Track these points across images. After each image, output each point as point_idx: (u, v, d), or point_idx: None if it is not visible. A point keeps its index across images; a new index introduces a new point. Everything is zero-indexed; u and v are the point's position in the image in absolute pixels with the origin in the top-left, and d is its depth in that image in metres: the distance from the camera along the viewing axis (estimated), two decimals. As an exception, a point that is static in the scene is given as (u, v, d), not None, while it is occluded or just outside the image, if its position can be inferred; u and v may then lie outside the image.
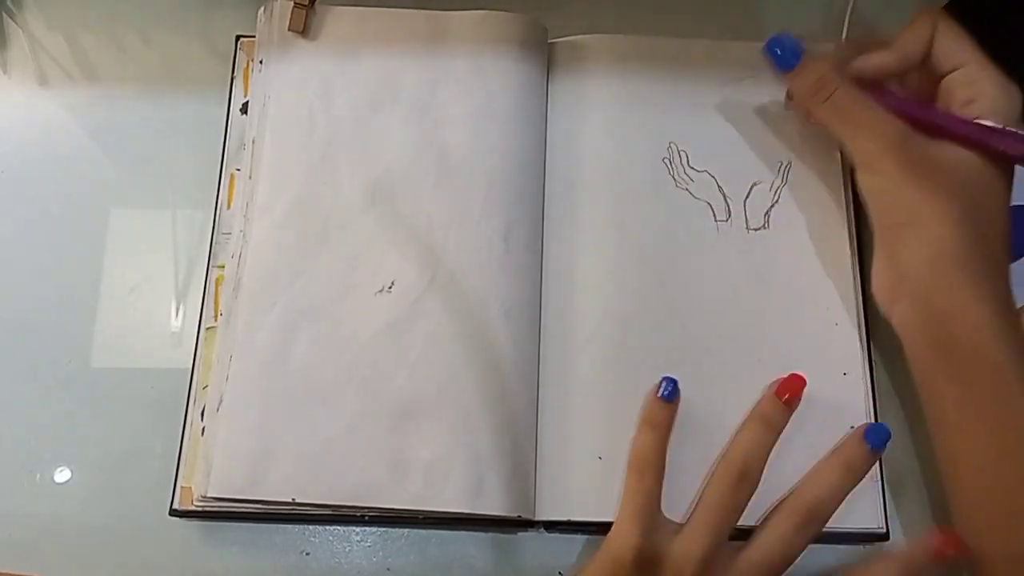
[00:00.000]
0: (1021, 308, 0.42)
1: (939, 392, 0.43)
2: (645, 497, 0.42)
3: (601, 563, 0.42)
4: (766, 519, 0.43)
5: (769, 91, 0.51)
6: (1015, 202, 0.50)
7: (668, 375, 0.45)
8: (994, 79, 0.43)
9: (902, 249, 0.43)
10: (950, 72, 0.44)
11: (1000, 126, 0.42)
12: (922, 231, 0.42)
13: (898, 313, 0.44)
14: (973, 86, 0.43)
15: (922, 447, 0.46)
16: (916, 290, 0.43)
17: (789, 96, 0.49)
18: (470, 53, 0.50)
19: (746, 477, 0.43)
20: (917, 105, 0.45)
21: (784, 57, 0.46)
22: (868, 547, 0.45)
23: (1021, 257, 0.50)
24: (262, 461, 0.43)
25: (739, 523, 0.43)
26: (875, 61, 0.45)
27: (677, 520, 0.43)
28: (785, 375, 0.46)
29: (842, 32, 0.52)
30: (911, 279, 0.43)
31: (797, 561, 0.42)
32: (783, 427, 0.45)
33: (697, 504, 0.43)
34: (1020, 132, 0.42)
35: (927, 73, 0.45)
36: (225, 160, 0.50)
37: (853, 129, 0.44)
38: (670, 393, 0.45)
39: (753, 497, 0.43)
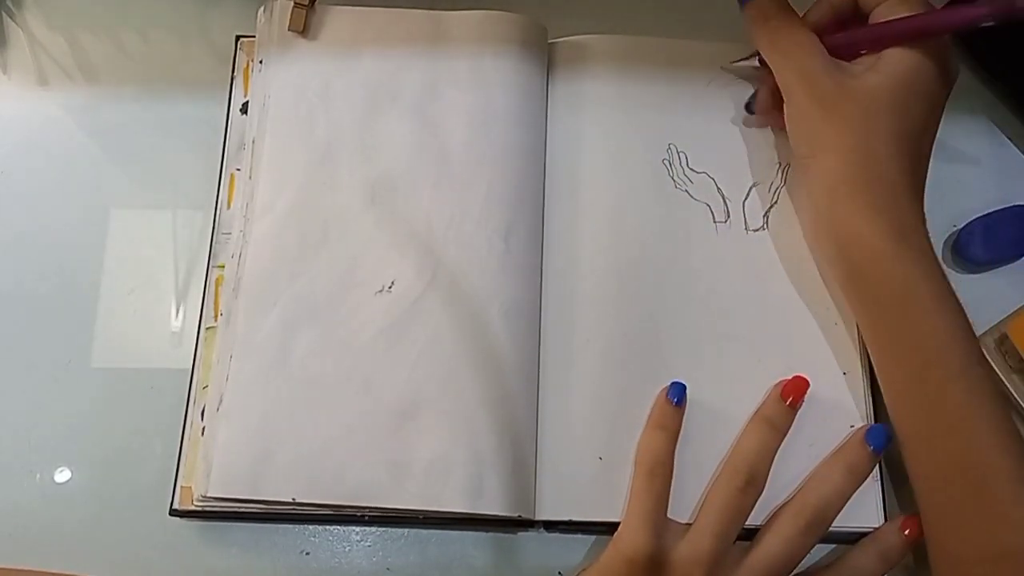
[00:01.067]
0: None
1: (859, 318, 0.44)
2: (655, 499, 0.42)
3: (608, 563, 0.42)
4: (770, 521, 0.43)
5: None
6: (1016, 202, 0.51)
7: (677, 380, 0.45)
8: None
9: (810, 182, 0.45)
10: (879, 5, 0.45)
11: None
12: (822, 162, 0.44)
13: (818, 248, 0.45)
14: (900, 5, 0.44)
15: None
16: (821, 221, 0.44)
17: (748, 109, 0.51)
18: (470, 53, 0.50)
19: (753, 481, 0.43)
20: (855, 29, 0.45)
21: None
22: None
23: (1021, 257, 0.50)
24: (262, 461, 0.43)
25: (740, 523, 0.43)
26: (811, 19, 0.46)
27: (678, 520, 0.43)
28: (788, 377, 0.46)
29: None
30: (818, 211, 0.44)
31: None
32: (788, 429, 0.45)
33: (703, 507, 0.43)
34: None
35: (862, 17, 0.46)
36: (225, 160, 0.50)
37: (780, 60, 0.46)
38: (679, 398, 0.45)
39: (754, 495, 0.43)
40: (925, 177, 0.44)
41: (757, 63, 0.49)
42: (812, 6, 0.47)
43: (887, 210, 0.42)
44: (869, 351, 0.44)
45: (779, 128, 0.49)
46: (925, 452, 0.42)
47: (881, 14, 0.44)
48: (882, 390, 0.44)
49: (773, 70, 0.46)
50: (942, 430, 0.41)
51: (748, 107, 0.51)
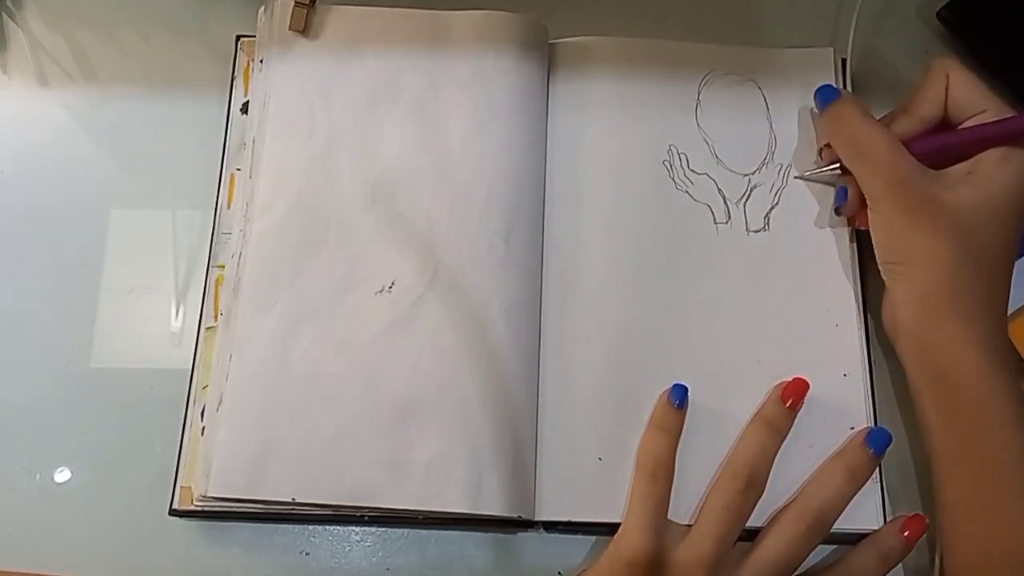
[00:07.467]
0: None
1: (929, 419, 0.44)
2: (656, 501, 0.42)
3: (609, 564, 0.42)
4: (771, 524, 0.43)
5: (769, 95, 0.51)
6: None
7: (679, 382, 0.45)
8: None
9: (897, 285, 0.45)
10: (969, 119, 0.45)
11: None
12: (915, 270, 0.44)
13: (898, 344, 0.45)
14: (992, 115, 0.44)
15: (921, 448, 0.46)
16: (908, 324, 0.44)
17: (838, 212, 0.49)
18: (471, 53, 0.50)
19: (753, 483, 0.43)
20: (945, 134, 0.45)
21: (823, 95, 0.48)
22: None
23: (1021, 257, 0.50)
24: (262, 461, 0.43)
25: (740, 524, 0.43)
26: (899, 130, 0.46)
27: (679, 522, 0.43)
28: (788, 379, 0.46)
29: (848, 39, 0.52)
30: (904, 314, 0.44)
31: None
32: (788, 431, 0.45)
33: (703, 509, 0.43)
34: None
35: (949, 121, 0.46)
36: (225, 160, 0.50)
37: (865, 167, 0.45)
38: (681, 400, 0.45)
39: (754, 496, 0.43)
40: (1011, 283, 0.44)
41: (839, 169, 0.48)
42: (899, 116, 0.46)
43: (976, 322, 0.42)
44: (932, 455, 0.44)
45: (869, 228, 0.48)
46: (979, 555, 0.41)
47: (973, 124, 0.45)
48: (938, 492, 0.43)
49: (857, 178, 0.46)
50: (1002, 538, 0.41)
51: (837, 211, 0.49)
